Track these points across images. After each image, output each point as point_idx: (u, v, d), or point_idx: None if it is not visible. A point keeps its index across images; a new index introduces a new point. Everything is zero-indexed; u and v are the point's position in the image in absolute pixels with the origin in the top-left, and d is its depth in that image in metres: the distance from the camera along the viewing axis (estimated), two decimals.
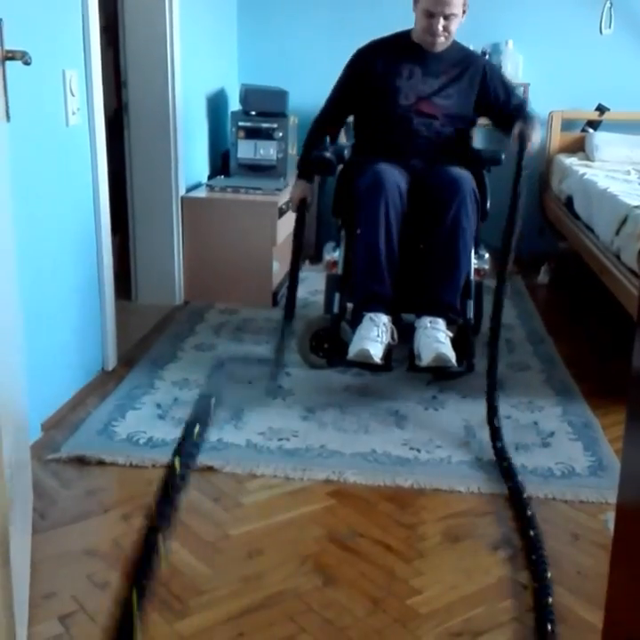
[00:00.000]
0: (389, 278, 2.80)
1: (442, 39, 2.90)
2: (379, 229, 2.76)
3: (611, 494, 2.13)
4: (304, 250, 4.59)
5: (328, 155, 2.94)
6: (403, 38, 3.02)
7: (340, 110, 3.15)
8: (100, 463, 2.35)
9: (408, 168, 2.98)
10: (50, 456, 2.37)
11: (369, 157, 2.99)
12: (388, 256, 2.78)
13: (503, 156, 3.02)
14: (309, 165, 3.04)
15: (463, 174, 2.85)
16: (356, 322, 2.79)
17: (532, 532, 2.01)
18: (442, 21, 2.84)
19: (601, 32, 4.39)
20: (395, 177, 2.82)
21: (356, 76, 3.05)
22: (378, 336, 2.68)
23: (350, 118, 3.25)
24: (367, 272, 2.81)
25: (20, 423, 1.89)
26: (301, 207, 3.07)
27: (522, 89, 4.61)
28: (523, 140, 2.80)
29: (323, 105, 3.15)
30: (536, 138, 2.93)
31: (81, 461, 2.35)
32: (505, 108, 3.04)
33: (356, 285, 2.85)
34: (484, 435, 2.56)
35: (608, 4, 4.34)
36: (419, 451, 2.47)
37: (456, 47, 3.01)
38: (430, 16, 2.84)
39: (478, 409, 2.73)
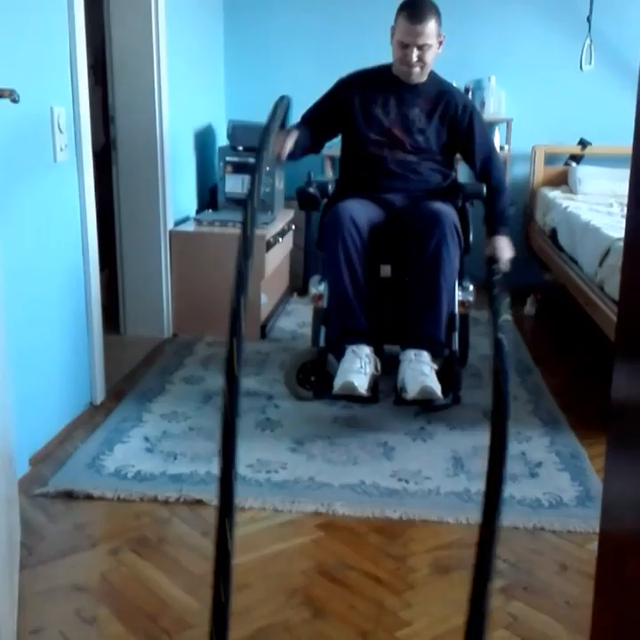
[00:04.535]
0: (361, 310, 2.83)
1: (417, 69, 2.95)
2: (340, 265, 2.81)
3: (598, 524, 2.13)
4: (292, 282, 4.65)
5: (312, 190, 2.97)
6: (383, 70, 3.08)
7: (315, 127, 3.09)
8: (88, 497, 2.34)
9: (384, 202, 3.02)
10: (38, 491, 2.36)
11: (347, 192, 3.04)
12: (354, 289, 2.82)
13: (485, 191, 3.07)
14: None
15: (444, 208, 2.89)
16: (337, 355, 2.81)
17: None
18: (416, 52, 2.89)
19: (581, 68, 4.46)
20: (352, 211, 2.85)
21: (334, 104, 3.10)
22: (361, 367, 2.70)
23: (337, 153, 3.30)
24: (338, 307, 2.85)
25: (7, 458, 1.89)
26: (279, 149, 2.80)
27: (504, 124, 4.70)
28: (494, 262, 2.86)
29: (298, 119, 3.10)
30: (508, 256, 2.98)
31: (69, 496, 2.34)
32: (473, 153, 3.08)
33: (332, 320, 2.89)
34: (473, 465, 2.57)
35: (588, 41, 4.42)
36: (407, 482, 2.47)
37: (435, 80, 3.06)
38: (404, 47, 2.90)
39: (466, 440, 2.75)
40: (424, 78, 3.01)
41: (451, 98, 3.05)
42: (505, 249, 3.00)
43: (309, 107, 3.15)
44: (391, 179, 3.04)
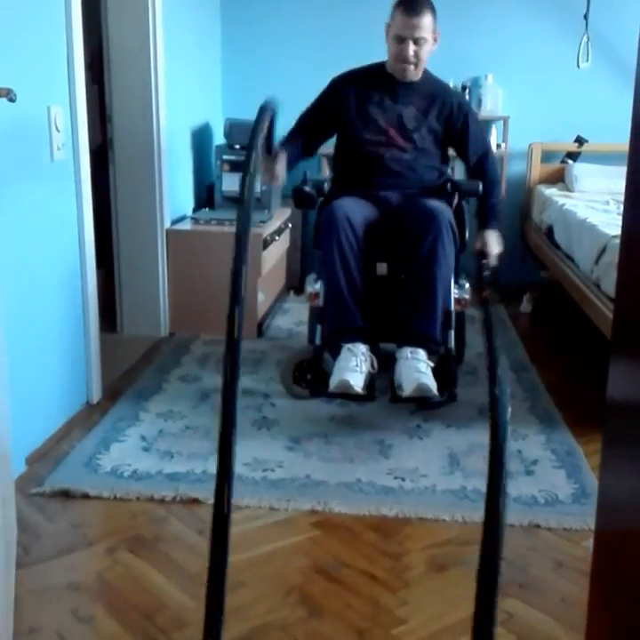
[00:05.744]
0: (357, 308, 2.83)
1: (412, 67, 2.95)
2: (335, 265, 2.81)
3: (594, 521, 2.13)
4: (289, 280, 4.65)
5: (308, 189, 2.97)
6: (376, 68, 3.08)
7: (309, 132, 3.13)
8: (85, 496, 2.34)
9: (380, 200, 3.02)
10: (34, 490, 2.36)
11: (342, 191, 3.04)
12: (349, 289, 2.82)
13: (481, 188, 3.07)
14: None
15: (439, 206, 2.89)
16: (333, 353, 2.81)
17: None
18: (412, 46, 2.90)
19: (578, 66, 4.46)
20: (347, 210, 2.86)
21: (330, 105, 3.10)
22: (357, 366, 2.70)
23: (331, 150, 3.30)
24: (334, 305, 2.85)
25: (3, 457, 1.89)
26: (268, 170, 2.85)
27: (501, 122, 4.71)
28: (483, 256, 2.94)
29: (293, 124, 3.13)
30: (497, 250, 3.03)
31: (65, 495, 2.34)
32: (467, 151, 3.11)
33: (328, 319, 2.89)
34: (468, 463, 2.58)
35: (585, 39, 4.42)
36: (403, 480, 2.47)
37: (428, 79, 3.06)
38: (400, 41, 2.90)
39: (462, 438, 2.75)
40: (419, 76, 3.01)
41: (446, 97, 3.07)
42: (494, 243, 3.02)
43: (303, 111, 3.15)
44: (387, 177, 3.04)
